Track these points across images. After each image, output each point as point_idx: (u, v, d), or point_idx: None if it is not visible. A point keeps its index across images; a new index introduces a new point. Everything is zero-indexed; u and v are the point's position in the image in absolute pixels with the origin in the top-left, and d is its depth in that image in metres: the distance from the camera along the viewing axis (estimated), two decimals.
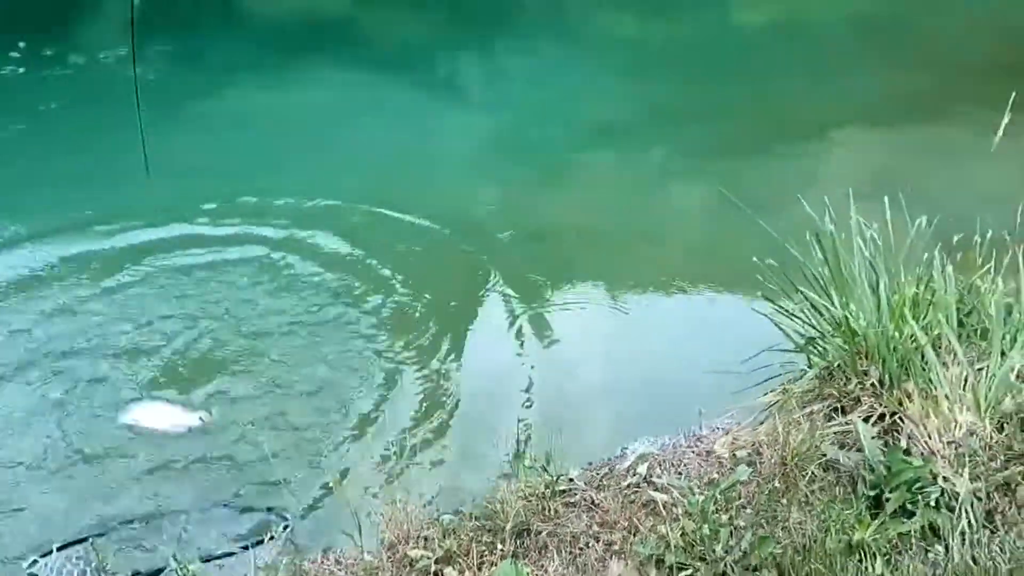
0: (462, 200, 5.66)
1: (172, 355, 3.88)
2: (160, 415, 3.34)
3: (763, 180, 5.84)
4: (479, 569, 2.29)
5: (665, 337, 4.27)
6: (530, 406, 3.57)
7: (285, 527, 2.68)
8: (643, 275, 4.79)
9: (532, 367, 3.89)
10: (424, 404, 3.55)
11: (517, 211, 5.57)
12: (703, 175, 6.07)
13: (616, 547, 2.32)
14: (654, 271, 4.85)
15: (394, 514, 2.57)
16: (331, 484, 2.83)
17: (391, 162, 6.25)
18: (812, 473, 2.48)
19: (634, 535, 2.34)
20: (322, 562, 2.59)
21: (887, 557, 2.14)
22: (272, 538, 2.52)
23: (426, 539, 2.45)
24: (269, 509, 2.86)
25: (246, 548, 2.46)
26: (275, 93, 7.66)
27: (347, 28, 9.53)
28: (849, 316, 2.82)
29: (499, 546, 2.34)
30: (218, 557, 2.46)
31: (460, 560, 2.32)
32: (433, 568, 2.30)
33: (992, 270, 3.08)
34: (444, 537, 2.39)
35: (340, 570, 2.52)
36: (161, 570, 2.30)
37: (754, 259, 3.22)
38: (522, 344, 4.10)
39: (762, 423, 2.98)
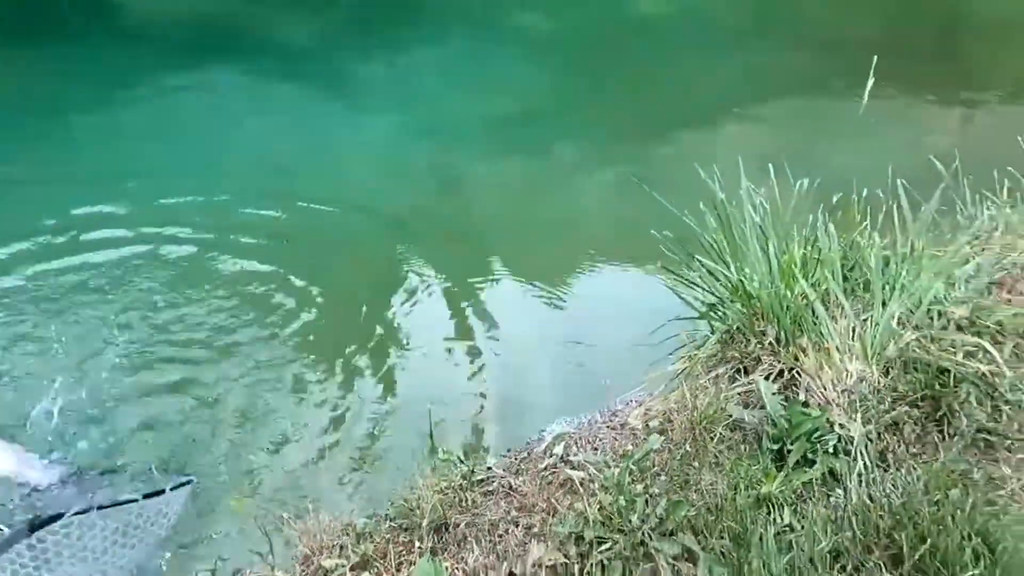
0: (373, 197, 5.56)
1: (79, 363, 3.63)
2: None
3: (662, 158, 6.04)
4: (398, 570, 2.21)
5: (577, 318, 4.29)
6: (446, 400, 3.49)
7: (188, 482, 2.61)
8: (553, 259, 4.83)
9: (446, 359, 3.83)
10: (334, 407, 3.41)
11: (426, 204, 5.52)
12: (607, 158, 6.21)
13: (536, 529, 2.29)
14: (563, 255, 4.90)
15: (307, 525, 2.45)
16: (234, 503, 2.66)
17: (301, 163, 6.09)
18: (720, 434, 2.54)
19: (553, 515, 2.32)
20: None
21: (793, 506, 2.21)
22: (176, 487, 2.48)
23: (341, 547, 2.34)
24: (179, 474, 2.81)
25: (147, 496, 2.38)
26: (170, 99, 7.32)
27: (243, 31, 9.20)
28: (744, 280, 2.91)
29: (417, 544, 2.26)
30: (120, 503, 2.36)
31: (377, 563, 2.23)
32: None
33: (869, 226, 3.27)
34: (359, 542, 2.30)
35: None
36: (59, 515, 2.17)
37: (652, 232, 3.28)
38: (435, 338, 4.02)
39: (673, 391, 3.03)
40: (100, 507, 2.27)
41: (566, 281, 4.70)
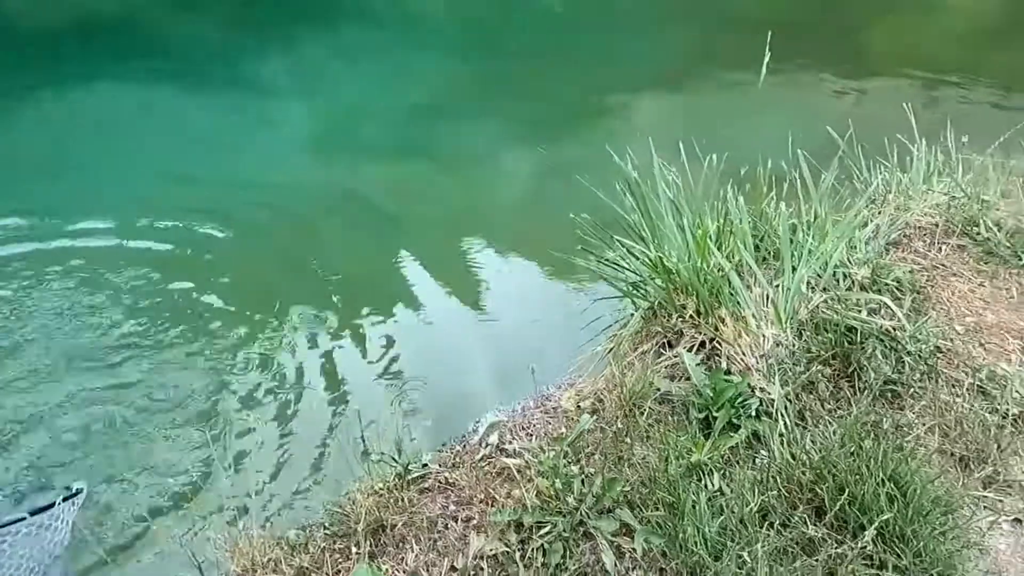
0: (282, 195, 5.39)
1: None
2: None
3: (575, 143, 6.12)
4: None
5: (503, 307, 4.30)
6: (374, 401, 3.43)
7: (78, 491, 2.56)
8: (471, 249, 4.81)
9: (371, 359, 3.76)
10: (259, 417, 3.28)
11: (340, 198, 5.41)
12: (520, 145, 6.22)
13: (475, 521, 2.27)
14: (482, 244, 4.89)
15: (237, 544, 2.33)
16: (155, 528, 2.52)
17: (204, 163, 5.84)
18: (649, 408, 2.59)
19: (492, 505, 2.31)
20: None
21: (722, 471, 2.28)
22: (66, 499, 2.43)
23: (275, 562, 2.25)
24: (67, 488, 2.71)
25: (33, 513, 2.31)
26: (72, 103, 6.89)
27: (135, 30, 8.72)
28: (663, 256, 2.97)
29: (354, 550, 2.20)
30: (7, 524, 2.26)
31: (314, 574, 2.16)
32: None
33: (776, 196, 3.39)
34: (293, 555, 2.21)
35: None
36: None
37: (571, 215, 3.30)
38: (357, 338, 3.93)
39: (602, 371, 3.07)
40: None
41: (488, 271, 4.69)
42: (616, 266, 3.34)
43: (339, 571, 2.16)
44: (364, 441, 2.81)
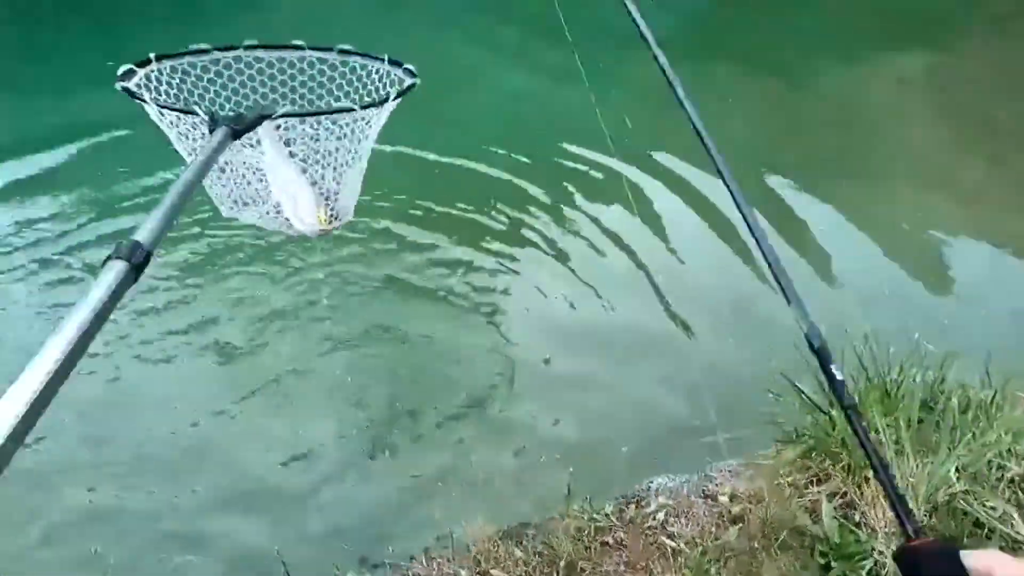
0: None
1: None
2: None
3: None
4: None
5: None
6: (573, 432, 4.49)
7: (412, 86, 2.11)
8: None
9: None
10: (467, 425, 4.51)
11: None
12: None
13: None
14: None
15: (478, 532, 3.61)
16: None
17: None
18: (784, 537, 3.39)
19: None
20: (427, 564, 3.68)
21: None
22: (401, 94, 2.06)
23: (497, 560, 3.48)
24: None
25: (366, 106, 1.98)
26: None
27: None
28: (830, 415, 3.60)
29: None
30: (333, 111, 2.01)
31: None
32: None
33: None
34: (515, 565, 3.43)
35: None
36: (264, 116, 1.84)
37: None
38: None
39: (762, 469, 3.84)
40: (309, 113, 1.98)
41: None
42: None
43: None
44: (569, 490, 3.93)
